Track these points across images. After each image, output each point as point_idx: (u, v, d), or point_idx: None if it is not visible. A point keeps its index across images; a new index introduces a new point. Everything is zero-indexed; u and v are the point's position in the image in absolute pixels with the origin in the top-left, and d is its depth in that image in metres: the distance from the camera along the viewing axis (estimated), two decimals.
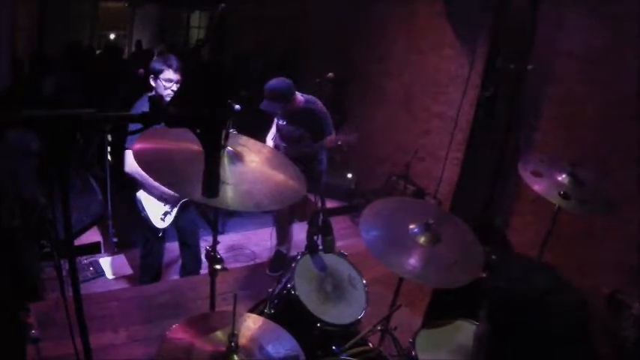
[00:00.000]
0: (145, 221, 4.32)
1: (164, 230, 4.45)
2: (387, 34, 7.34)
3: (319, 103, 4.87)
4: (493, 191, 5.76)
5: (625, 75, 4.41)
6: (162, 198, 4.27)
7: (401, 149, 7.07)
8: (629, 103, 4.38)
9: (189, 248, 4.80)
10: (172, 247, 5.00)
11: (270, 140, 5.07)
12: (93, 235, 5.85)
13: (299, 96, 4.78)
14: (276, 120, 5.06)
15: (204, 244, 4.57)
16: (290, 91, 4.64)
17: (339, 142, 4.66)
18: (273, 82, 4.63)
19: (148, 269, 4.75)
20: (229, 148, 2.30)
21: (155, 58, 4.20)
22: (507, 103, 5.44)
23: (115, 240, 5.81)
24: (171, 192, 4.03)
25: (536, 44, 5.21)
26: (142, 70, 5.63)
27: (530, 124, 5.33)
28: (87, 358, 1.89)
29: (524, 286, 1.51)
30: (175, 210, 4.35)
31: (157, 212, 4.30)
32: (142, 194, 4.25)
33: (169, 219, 4.35)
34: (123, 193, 5.95)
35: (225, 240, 6.04)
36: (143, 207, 4.25)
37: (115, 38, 15.75)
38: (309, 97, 4.89)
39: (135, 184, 4.23)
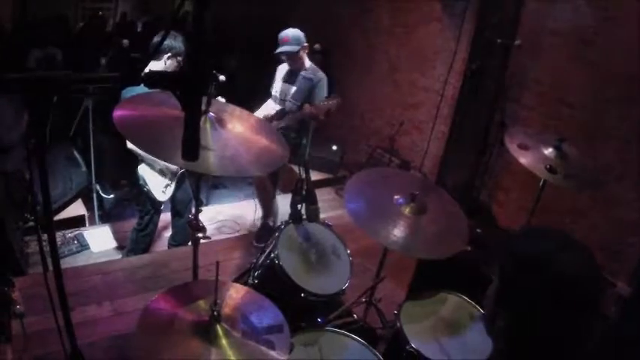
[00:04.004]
0: (147, 195, 4.40)
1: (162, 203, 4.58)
2: (373, 7, 7.29)
3: (319, 73, 4.97)
4: (478, 165, 5.77)
5: (613, 55, 4.41)
6: (162, 171, 4.34)
7: (386, 122, 7.07)
8: (616, 83, 4.39)
9: (182, 218, 4.86)
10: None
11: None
12: (77, 209, 5.83)
13: (306, 59, 4.95)
14: (274, 86, 5.15)
15: None
16: (303, 39, 4.81)
17: (315, 110, 4.63)
18: (291, 29, 4.80)
19: (141, 242, 4.80)
20: (212, 113, 2.27)
21: (170, 37, 4.15)
22: (494, 78, 5.43)
23: (100, 213, 5.79)
24: (171, 165, 4.08)
25: (524, 20, 5.20)
26: (126, 41, 5.57)
27: (516, 99, 5.33)
28: (68, 333, 1.87)
29: (537, 245, 1.51)
30: (174, 182, 4.43)
31: (159, 185, 4.37)
32: (143, 169, 4.30)
33: (169, 191, 4.45)
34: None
35: (210, 212, 6.03)
36: (145, 181, 4.32)
37: (100, 10, 15.54)
38: (314, 66, 5.01)
39: (136, 158, 4.27)
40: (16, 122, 4.17)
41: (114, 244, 5.32)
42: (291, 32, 4.77)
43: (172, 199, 4.64)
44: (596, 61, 4.55)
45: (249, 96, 4.94)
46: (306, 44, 4.84)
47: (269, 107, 5.10)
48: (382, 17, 7.15)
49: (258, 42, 9.12)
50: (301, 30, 4.78)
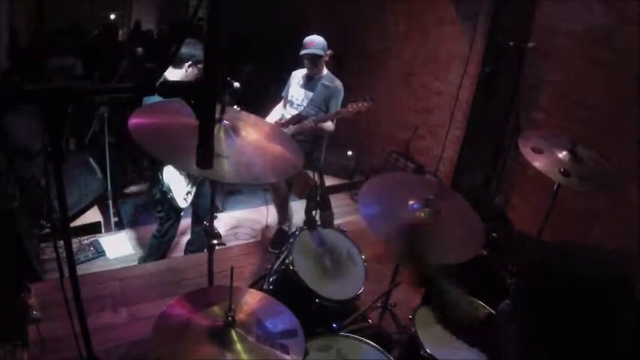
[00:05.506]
0: (170, 202, 4.39)
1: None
2: (387, 11, 7.29)
3: (337, 81, 5.02)
4: (493, 169, 5.74)
5: (627, 56, 4.37)
6: (187, 175, 4.34)
7: (401, 127, 7.06)
8: (632, 84, 4.34)
9: (201, 224, 4.81)
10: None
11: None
12: (93, 215, 5.87)
13: (325, 66, 5.01)
14: (286, 91, 5.17)
15: None
16: (327, 46, 4.87)
17: (349, 110, 4.76)
18: (316, 35, 4.87)
19: (159, 249, 4.81)
20: (226, 121, 2.28)
21: (191, 44, 4.12)
22: (508, 81, 5.41)
23: (116, 220, 5.82)
24: None
25: (537, 22, 5.17)
26: (140, 49, 5.59)
27: (531, 102, 5.30)
28: (85, 338, 1.88)
29: (558, 261, 1.47)
30: (194, 189, 4.45)
31: (181, 192, 4.37)
32: (168, 176, 4.29)
33: (190, 198, 4.45)
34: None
35: (226, 218, 6.06)
36: (170, 188, 4.31)
37: (114, 19, 15.63)
38: (331, 74, 5.05)
39: (159, 165, 4.28)
40: (39, 132, 4.21)
41: (130, 250, 5.34)
42: (317, 38, 4.84)
43: (195, 206, 4.66)
44: (611, 62, 4.51)
45: (261, 102, 4.96)
46: (329, 51, 4.89)
47: (281, 112, 5.12)
48: (395, 22, 7.15)
49: (271, 49, 9.16)
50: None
